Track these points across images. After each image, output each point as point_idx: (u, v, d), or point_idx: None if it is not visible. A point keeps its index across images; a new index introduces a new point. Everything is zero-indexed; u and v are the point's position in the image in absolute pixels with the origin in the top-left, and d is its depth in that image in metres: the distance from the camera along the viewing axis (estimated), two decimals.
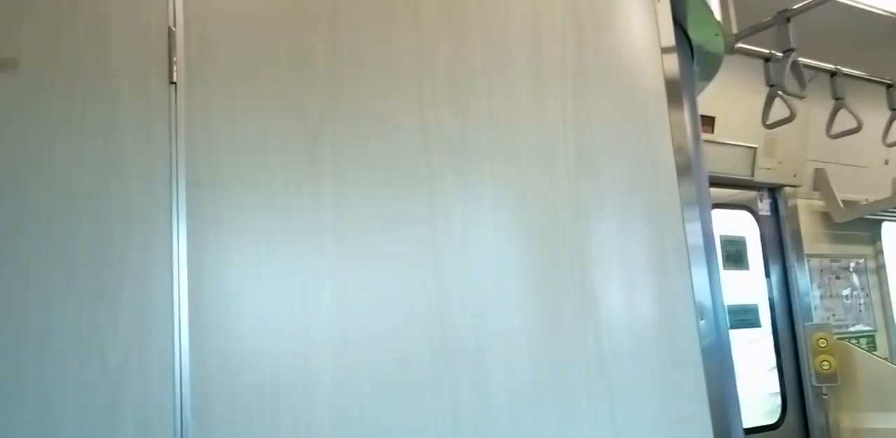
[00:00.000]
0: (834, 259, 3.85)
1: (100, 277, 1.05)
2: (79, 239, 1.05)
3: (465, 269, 1.22)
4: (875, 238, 4.10)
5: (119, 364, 1.03)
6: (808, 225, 3.77)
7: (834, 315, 3.78)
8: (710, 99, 2.54)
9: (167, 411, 1.03)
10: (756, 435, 3.41)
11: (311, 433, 1.08)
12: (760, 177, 3.58)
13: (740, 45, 2.50)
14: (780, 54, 2.62)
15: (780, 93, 2.66)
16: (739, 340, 3.42)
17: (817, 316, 3.68)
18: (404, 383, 1.14)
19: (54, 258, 1.04)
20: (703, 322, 1.42)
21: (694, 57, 1.97)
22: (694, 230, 1.51)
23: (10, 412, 0.98)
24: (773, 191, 3.79)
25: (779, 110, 2.81)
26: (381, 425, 1.12)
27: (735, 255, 3.55)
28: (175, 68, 1.13)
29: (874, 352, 3.70)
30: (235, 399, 1.06)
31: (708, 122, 3.26)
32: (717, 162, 3.31)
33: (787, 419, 3.56)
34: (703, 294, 1.49)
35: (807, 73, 2.69)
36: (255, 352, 1.08)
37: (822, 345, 3.49)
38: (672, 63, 1.55)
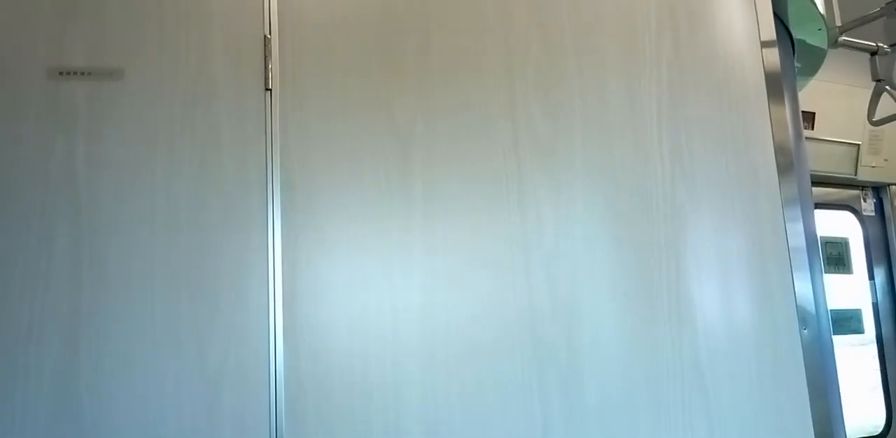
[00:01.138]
0: None
1: (199, 277, 1.08)
2: (179, 240, 1.08)
3: (556, 273, 1.20)
4: None
5: (218, 363, 1.06)
6: None
7: None
8: (810, 94, 2.43)
9: (263, 410, 1.05)
10: None
11: (401, 434, 1.09)
12: (864, 175, 3.41)
13: (844, 37, 2.38)
14: (887, 47, 2.47)
15: (887, 88, 2.51)
16: (840, 346, 3.26)
17: None
18: (493, 388, 1.13)
19: (157, 259, 1.07)
20: (805, 331, 1.36)
21: (795, 51, 1.89)
22: (796, 231, 1.44)
23: (117, 409, 1.02)
24: (878, 190, 3.60)
25: (885, 105, 2.66)
26: (471, 429, 1.11)
27: (836, 258, 3.39)
28: (270, 75, 1.15)
29: None
30: (327, 400, 1.07)
31: (808, 118, 3.12)
32: (818, 159, 3.17)
33: (892, 430, 3.38)
34: (805, 299, 1.42)
35: None
36: (347, 353, 1.09)
37: None
38: (773, 57, 1.49)
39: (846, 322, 3.36)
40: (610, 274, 1.23)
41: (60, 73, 1.10)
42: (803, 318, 1.36)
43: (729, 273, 1.31)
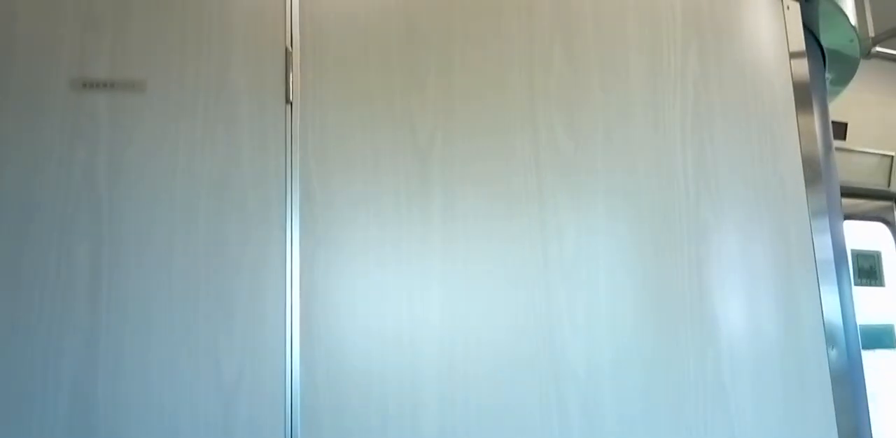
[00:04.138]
0: None
1: (218, 289, 1.08)
2: (198, 253, 1.08)
3: (575, 288, 1.18)
4: None
5: (234, 375, 1.05)
6: None
7: None
8: (843, 104, 2.38)
9: (278, 422, 1.05)
10: None
11: None
12: None
13: (878, 48, 2.33)
14: None
15: None
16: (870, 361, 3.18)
17: None
18: (511, 403, 1.12)
19: (176, 270, 1.07)
20: (833, 351, 1.33)
21: (826, 62, 1.86)
22: (823, 243, 1.41)
23: (133, 419, 1.02)
24: None
25: None
26: None
27: (869, 270, 3.33)
28: (291, 88, 1.15)
29: None
30: (344, 412, 1.07)
31: (840, 129, 3.07)
32: (849, 171, 3.11)
33: None
34: (833, 314, 1.39)
35: None
36: (364, 365, 1.09)
37: None
38: (801, 67, 1.47)
39: (878, 336, 3.29)
40: (631, 290, 1.21)
41: (83, 85, 1.11)
42: (831, 337, 1.33)
43: (754, 288, 1.29)
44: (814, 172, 1.43)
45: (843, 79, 2.11)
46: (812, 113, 1.52)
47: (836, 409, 1.28)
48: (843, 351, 1.40)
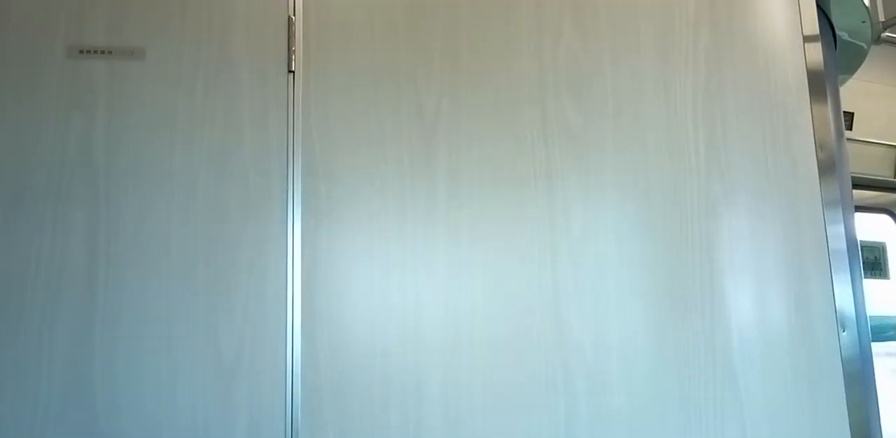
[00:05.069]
0: None
1: (217, 264, 1.06)
2: (199, 227, 1.06)
3: (583, 268, 1.16)
4: None
5: (234, 354, 1.03)
6: None
7: None
8: (849, 93, 2.36)
9: (278, 403, 1.03)
10: None
11: (421, 431, 1.06)
12: None
13: (887, 33, 2.30)
14: None
15: None
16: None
17: None
18: (517, 386, 1.09)
19: (174, 245, 1.05)
20: (844, 333, 1.30)
21: (836, 47, 1.83)
22: (836, 233, 1.39)
23: (129, 398, 1.00)
24: None
25: None
26: (493, 428, 1.08)
27: (873, 262, 3.31)
28: (293, 57, 1.13)
29: None
30: (345, 394, 1.05)
31: (846, 118, 3.05)
32: (855, 161, 3.08)
33: None
34: (845, 302, 1.37)
35: None
36: (366, 346, 1.06)
37: None
38: (815, 52, 1.43)
39: (882, 329, 3.27)
40: (640, 269, 1.18)
41: (81, 52, 1.08)
42: (842, 321, 1.31)
43: (765, 272, 1.26)
44: (827, 160, 1.40)
45: (850, 66, 2.08)
46: (825, 100, 1.49)
47: (846, 395, 1.25)
48: (854, 334, 1.37)
